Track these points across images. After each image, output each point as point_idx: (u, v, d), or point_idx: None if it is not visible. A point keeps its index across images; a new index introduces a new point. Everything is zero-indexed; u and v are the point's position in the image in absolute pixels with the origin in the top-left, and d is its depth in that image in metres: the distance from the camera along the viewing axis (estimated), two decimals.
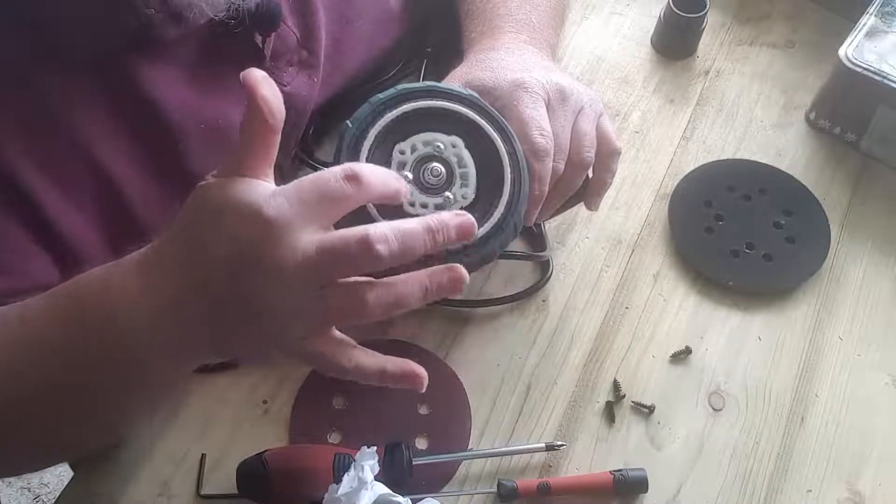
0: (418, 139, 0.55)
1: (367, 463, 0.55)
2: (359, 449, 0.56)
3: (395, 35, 0.74)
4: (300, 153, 0.70)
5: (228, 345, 0.45)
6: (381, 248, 0.41)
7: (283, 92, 0.44)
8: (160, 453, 0.63)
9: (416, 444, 0.64)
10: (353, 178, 0.43)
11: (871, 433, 0.67)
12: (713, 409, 0.67)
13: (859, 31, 0.77)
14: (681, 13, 0.83)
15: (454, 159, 0.55)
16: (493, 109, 0.57)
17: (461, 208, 0.54)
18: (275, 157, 0.44)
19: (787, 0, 0.92)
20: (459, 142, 0.55)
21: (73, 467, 0.67)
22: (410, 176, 0.54)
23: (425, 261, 0.46)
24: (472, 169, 0.55)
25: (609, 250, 0.75)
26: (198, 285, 0.42)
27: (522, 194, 0.56)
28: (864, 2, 0.80)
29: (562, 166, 0.60)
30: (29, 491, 1.46)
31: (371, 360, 0.46)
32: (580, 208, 0.67)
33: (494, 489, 0.62)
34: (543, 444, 0.63)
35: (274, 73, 0.58)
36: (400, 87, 0.56)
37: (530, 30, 0.68)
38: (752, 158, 0.80)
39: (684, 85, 0.86)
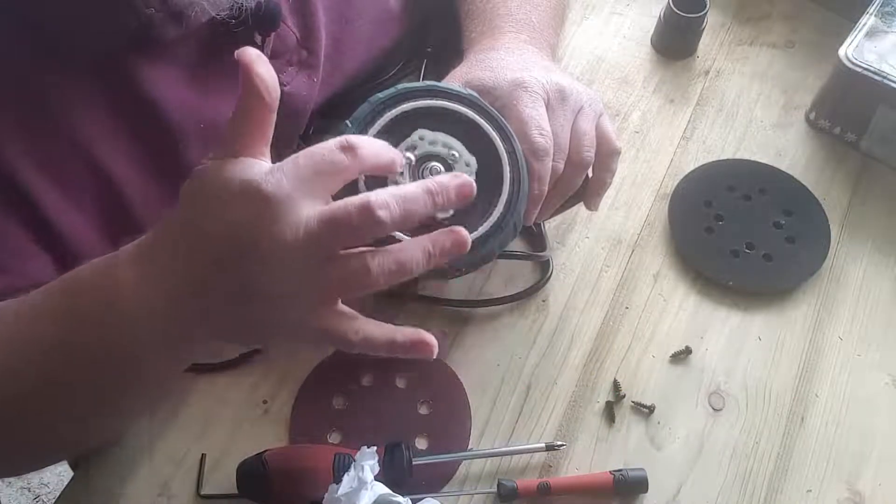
0: (418, 138, 0.55)
1: (367, 463, 0.55)
2: (359, 449, 0.56)
3: (395, 35, 0.74)
4: None
5: (232, 332, 0.45)
6: (383, 213, 0.41)
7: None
8: (160, 453, 0.63)
9: (416, 444, 0.64)
10: (348, 149, 0.42)
11: (871, 433, 0.67)
12: (713, 409, 0.67)
13: (859, 31, 0.77)
14: (681, 13, 0.83)
15: (453, 158, 0.55)
16: (492, 109, 0.57)
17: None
18: (271, 137, 0.44)
19: (787, 0, 0.92)
20: (459, 141, 0.55)
21: (72, 467, 0.67)
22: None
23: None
24: (471, 168, 0.55)
25: (609, 250, 0.75)
26: (196, 280, 0.42)
27: (522, 194, 0.56)
28: (864, 2, 0.80)
29: (561, 166, 0.60)
30: (29, 491, 1.46)
31: (380, 330, 0.45)
32: (580, 208, 0.67)
33: (494, 489, 0.62)
34: (543, 444, 0.63)
35: None
36: (399, 86, 0.56)
37: (530, 30, 0.68)
38: (752, 158, 0.80)
39: (684, 85, 0.86)
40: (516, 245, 0.73)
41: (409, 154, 0.54)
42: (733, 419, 0.67)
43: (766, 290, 0.73)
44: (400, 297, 0.70)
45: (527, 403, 0.67)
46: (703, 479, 0.64)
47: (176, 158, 0.58)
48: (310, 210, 0.41)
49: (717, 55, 0.88)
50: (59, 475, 1.45)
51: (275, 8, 0.58)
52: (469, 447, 0.64)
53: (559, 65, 0.83)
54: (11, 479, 1.46)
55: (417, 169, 0.54)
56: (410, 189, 0.43)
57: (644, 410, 0.66)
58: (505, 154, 0.56)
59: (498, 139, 0.56)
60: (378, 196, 0.41)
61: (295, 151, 0.42)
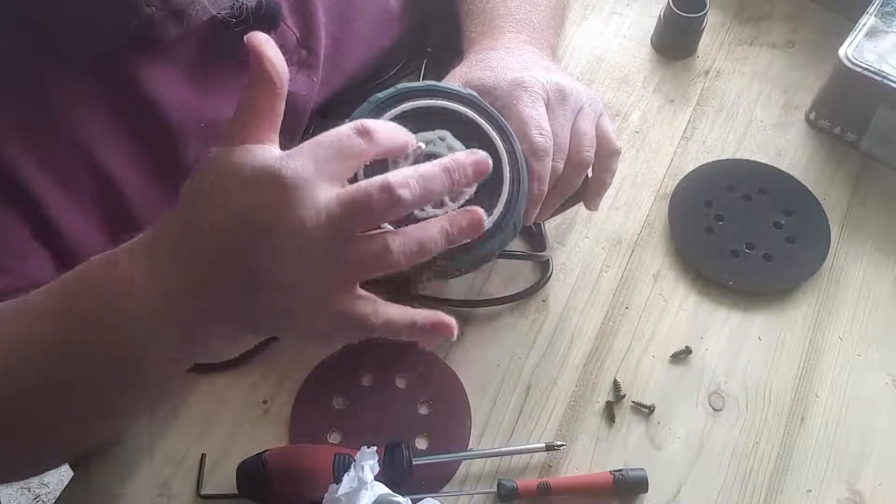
0: (417, 138, 0.55)
1: (367, 463, 0.55)
2: (359, 449, 0.56)
3: (395, 35, 0.74)
4: None
5: (244, 323, 0.44)
6: (404, 192, 0.41)
7: None
8: (160, 453, 0.63)
9: (416, 444, 0.64)
10: (364, 133, 0.43)
11: (871, 433, 0.67)
12: (713, 409, 0.67)
13: (859, 31, 0.77)
14: (681, 13, 0.83)
15: None
16: (492, 109, 0.58)
17: (459, 207, 0.54)
18: (279, 125, 0.44)
19: (787, 0, 0.92)
20: (458, 141, 0.55)
21: (73, 467, 0.67)
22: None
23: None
24: None
25: (609, 250, 0.75)
26: (196, 280, 0.42)
27: (522, 193, 0.56)
28: (864, 2, 0.80)
29: (561, 165, 0.60)
30: (29, 491, 1.46)
31: (400, 312, 0.45)
32: (580, 208, 0.67)
33: (494, 489, 0.62)
34: (543, 444, 0.63)
35: None
36: (399, 86, 0.56)
37: (530, 30, 0.68)
38: (752, 158, 0.80)
39: (684, 85, 0.86)
40: (516, 245, 0.73)
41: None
42: (733, 419, 0.67)
43: (766, 290, 0.73)
44: (400, 298, 0.70)
45: (527, 403, 0.67)
46: (703, 479, 0.64)
47: (176, 158, 0.58)
48: (328, 193, 0.41)
49: (717, 55, 0.88)
50: (59, 475, 1.45)
51: (275, 7, 0.58)
52: (469, 447, 0.64)
53: (559, 65, 0.83)
54: None
55: None
56: (428, 167, 0.43)
57: (644, 410, 0.66)
58: (505, 154, 0.56)
59: (498, 139, 0.56)
60: (397, 175, 0.42)
61: None
